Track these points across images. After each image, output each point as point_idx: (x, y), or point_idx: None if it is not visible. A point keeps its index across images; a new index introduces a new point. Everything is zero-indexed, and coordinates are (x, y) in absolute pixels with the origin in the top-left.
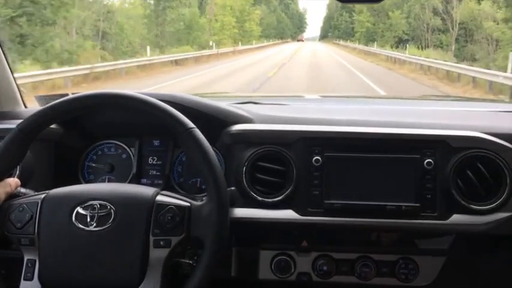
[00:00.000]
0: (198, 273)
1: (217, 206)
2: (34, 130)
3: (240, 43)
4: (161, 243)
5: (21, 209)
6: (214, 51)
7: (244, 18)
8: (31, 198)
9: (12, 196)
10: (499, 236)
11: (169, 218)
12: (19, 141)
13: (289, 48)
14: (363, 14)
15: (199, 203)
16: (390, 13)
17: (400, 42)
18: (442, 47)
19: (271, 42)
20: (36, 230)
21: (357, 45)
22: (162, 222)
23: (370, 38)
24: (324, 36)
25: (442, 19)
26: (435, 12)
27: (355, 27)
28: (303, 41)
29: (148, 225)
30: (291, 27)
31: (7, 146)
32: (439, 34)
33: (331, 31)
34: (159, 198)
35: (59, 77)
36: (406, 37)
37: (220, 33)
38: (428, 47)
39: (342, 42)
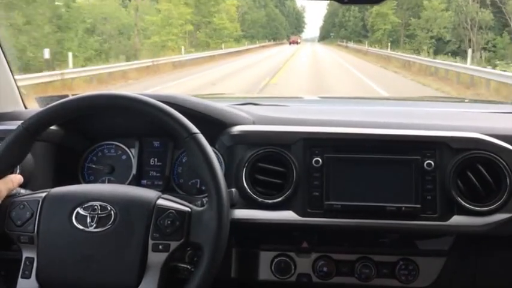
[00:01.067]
0: (196, 279)
1: (217, 213)
2: (38, 129)
3: (183, 48)
4: (160, 247)
5: (22, 206)
6: (50, 75)
7: (210, 9)
8: (32, 196)
9: (13, 195)
10: (499, 237)
11: (169, 222)
12: (23, 139)
13: (276, 55)
14: (386, 4)
15: (199, 208)
16: (426, 2)
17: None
18: (494, 51)
19: (256, 45)
20: (36, 229)
21: (387, 51)
22: (161, 227)
23: (396, 39)
24: (324, 37)
25: (495, 12)
26: (483, 3)
27: (375, 23)
28: (298, 43)
29: (148, 228)
30: (287, 27)
31: (11, 143)
32: (486, 34)
33: (334, 30)
34: (160, 202)
35: None
36: (448, 37)
37: (164, 31)
38: (473, 50)
39: (351, 44)
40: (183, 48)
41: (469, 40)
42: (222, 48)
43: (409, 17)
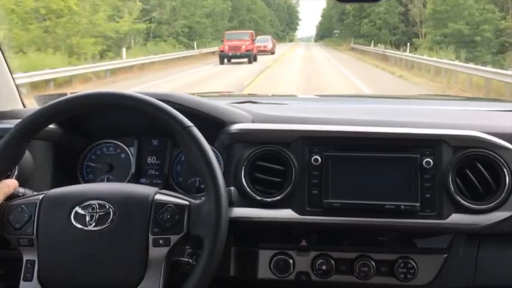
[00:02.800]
0: (198, 272)
1: (216, 203)
2: (32, 130)
3: None
4: (160, 242)
5: (19, 209)
6: None
7: None
8: (29, 198)
9: (11, 197)
10: (498, 235)
11: (168, 216)
12: (17, 141)
13: None
14: None
15: (198, 201)
16: None
17: None
18: None
19: (144, 58)
20: (35, 231)
21: None
22: (161, 221)
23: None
24: (323, 36)
25: None
26: None
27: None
28: (259, 51)
29: (148, 224)
30: (276, 23)
31: (4, 146)
32: None
33: (340, 26)
34: (158, 197)
35: None
36: None
37: None
38: None
39: (403, 53)
40: None
41: None
42: None
43: None
